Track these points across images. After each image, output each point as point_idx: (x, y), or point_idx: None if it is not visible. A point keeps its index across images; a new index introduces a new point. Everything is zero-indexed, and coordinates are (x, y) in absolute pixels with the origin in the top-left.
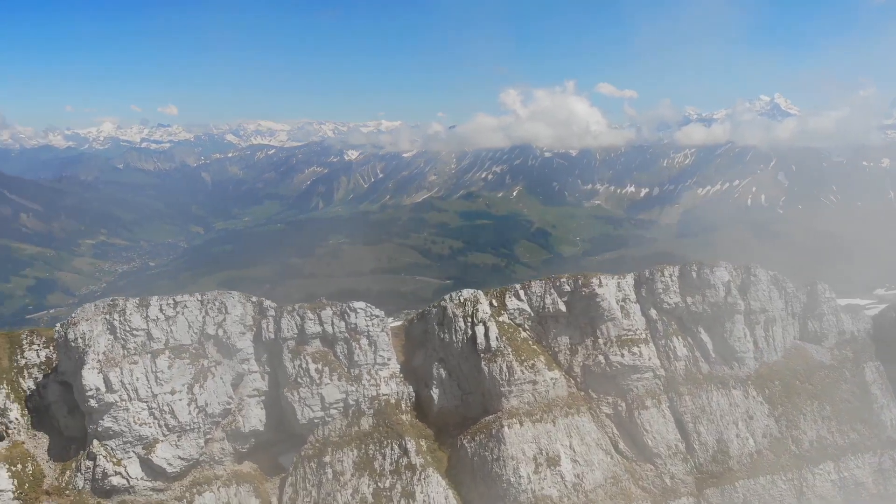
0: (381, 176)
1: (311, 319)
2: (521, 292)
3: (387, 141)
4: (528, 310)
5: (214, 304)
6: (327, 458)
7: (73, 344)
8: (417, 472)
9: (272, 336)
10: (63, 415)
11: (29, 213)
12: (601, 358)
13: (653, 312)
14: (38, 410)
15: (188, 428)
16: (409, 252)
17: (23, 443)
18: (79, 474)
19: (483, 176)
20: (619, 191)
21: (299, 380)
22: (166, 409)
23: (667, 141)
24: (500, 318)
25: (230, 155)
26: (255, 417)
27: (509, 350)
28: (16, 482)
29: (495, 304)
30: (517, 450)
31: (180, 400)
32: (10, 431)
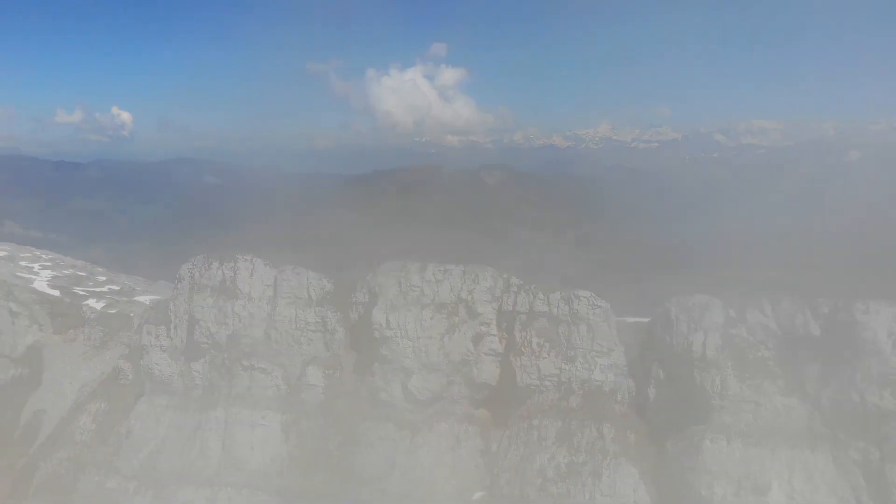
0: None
1: (540, 300)
2: (768, 307)
3: None
4: (774, 327)
5: (471, 275)
6: (536, 422)
7: (373, 290)
8: (609, 458)
9: (510, 308)
10: None
11: (527, 203)
12: (856, 396)
13: None
14: (357, 334)
15: (436, 368)
16: None
17: (339, 355)
18: (363, 386)
19: None
20: None
21: (523, 349)
22: (423, 349)
23: None
24: (734, 331)
25: (714, 155)
26: (487, 372)
27: (729, 364)
28: (325, 381)
29: (733, 315)
30: (717, 466)
31: (434, 345)
32: (333, 345)
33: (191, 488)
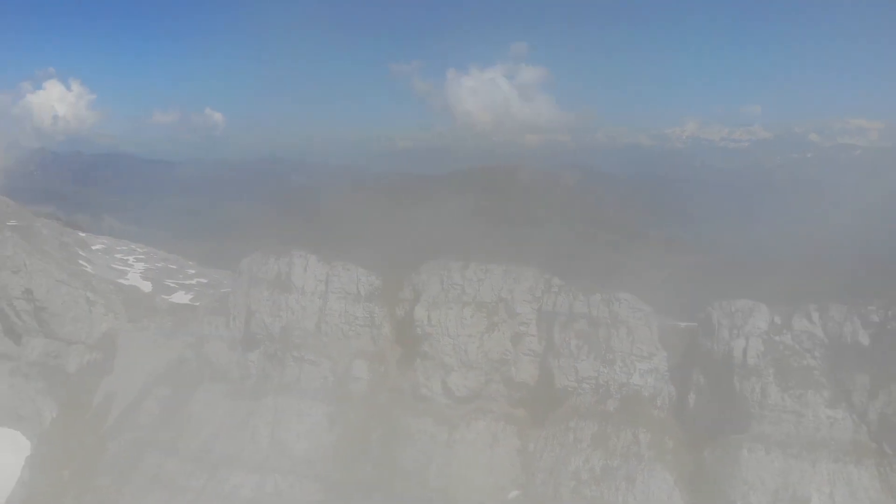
0: None
1: (580, 301)
2: (815, 314)
3: None
4: (822, 335)
5: (512, 275)
6: (572, 424)
7: (416, 287)
8: (643, 463)
9: (550, 308)
10: None
11: (608, 204)
12: None
13: None
14: (402, 330)
15: (475, 366)
16: None
17: (384, 350)
18: (405, 381)
19: None
20: None
21: (561, 350)
22: (462, 347)
23: None
24: (778, 338)
25: (808, 155)
26: (526, 372)
27: (770, 372)
28: (370, 375)
29: (778, 321)
30: (753, 476)
31: (473, 343)
32: (380, 341)
33: (241, 473)
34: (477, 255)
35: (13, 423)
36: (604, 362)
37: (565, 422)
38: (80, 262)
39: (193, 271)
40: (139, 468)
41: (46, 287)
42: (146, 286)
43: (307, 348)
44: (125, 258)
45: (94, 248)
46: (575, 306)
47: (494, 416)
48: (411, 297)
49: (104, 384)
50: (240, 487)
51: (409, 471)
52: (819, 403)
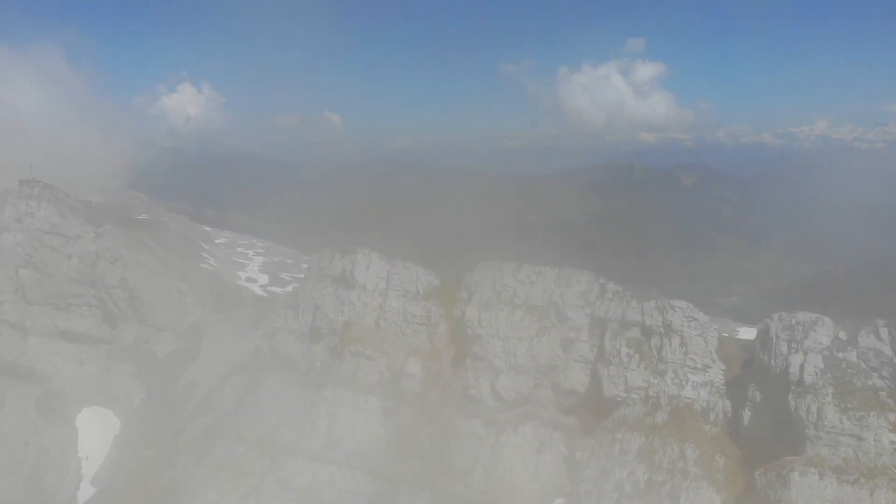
0: None
1: (633, 308)
2: (884, 331)
3: None
4: (890, 354)
5: (564, 279)
6: (619, 435)
7: (470, 288)
8: (689, 480)
9: (602, 315)
10: None
11: (727, 206)
12: None
13: None
14: (457, 330)
15: (523, 370)
16: None
17: (439, 349)
18: (457, 380)
19: None
20: None
21: (611, 358)
22: (512, 350)
23: None
24: (842, 355)
25: None
26: (575, 379)
27: (829, 392)
28: (423, 373)
29: (843, 337)
30: (804, 501)
31: (522, 346)
32: (436, 340)
33: (298, 461)
34: (533, 257)
35: (107, 402)
36: (654, 373)
37: (612, 433)
38: (203, 254)
39: (307, 265)
40: (212, 452)
41: (141, 277)
42: (263, 279)
43: (365, 343)
44: (245, 252)
45: (217, 241)
46: (628, 313)
47: (542, 421)
48: (466, 298)
49: (189, 371)
50: (297, 476)
51: (456, 470)
52: (882, 427)
